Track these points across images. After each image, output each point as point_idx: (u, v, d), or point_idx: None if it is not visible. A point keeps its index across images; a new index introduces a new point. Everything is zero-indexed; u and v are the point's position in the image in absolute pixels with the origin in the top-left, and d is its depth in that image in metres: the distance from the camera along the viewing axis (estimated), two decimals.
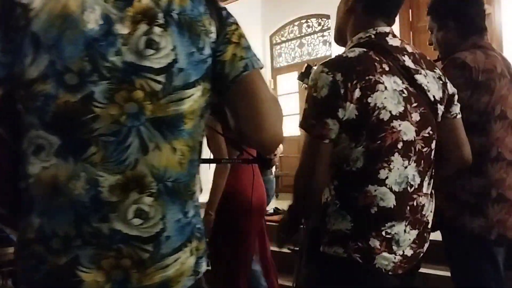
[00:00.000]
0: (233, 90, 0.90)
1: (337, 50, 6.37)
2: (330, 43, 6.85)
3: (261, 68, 0.95)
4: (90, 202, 0.80)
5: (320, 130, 1.18)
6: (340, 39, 1.43)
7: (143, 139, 0.83)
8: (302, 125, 1.23)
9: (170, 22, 0.85)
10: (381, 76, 1.20)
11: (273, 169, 7.20)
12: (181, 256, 0.87)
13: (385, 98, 1.19)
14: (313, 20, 7.13)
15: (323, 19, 6.98)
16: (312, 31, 7.18)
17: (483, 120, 1.65)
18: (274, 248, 3.32)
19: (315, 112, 1.20)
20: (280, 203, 5.29)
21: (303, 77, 1.67)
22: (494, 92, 1.65)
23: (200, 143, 0.93)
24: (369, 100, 1.18)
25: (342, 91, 1.16)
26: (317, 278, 1.29)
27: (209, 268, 2.32)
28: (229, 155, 2.34)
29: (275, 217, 4.43)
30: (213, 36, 0.90)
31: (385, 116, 1.19)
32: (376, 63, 1.22)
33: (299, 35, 7.32)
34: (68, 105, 0.79)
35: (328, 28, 6.86)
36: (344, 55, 1.24)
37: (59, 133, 0.80)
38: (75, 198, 0.80)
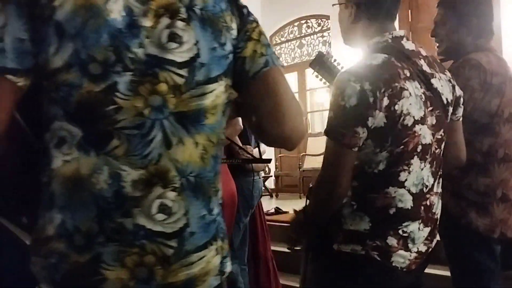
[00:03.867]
0: (253, 86, 0.91)
1: (336, 51, 6.34)
2: (329, 44, 6.86)
3: (283, 67, 0.97)
4: (112, 197, 0.79)
5: (350, 138, 1.19)
6: (349, 42, 1.44)
7: (166, 133, 0.82)
8: (330, 133, 1.22)
9: (192, 17, 0.85)
10: (405, 82, 1.22)
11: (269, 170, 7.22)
12: (207, 255, 0.86)
13: (410, 104, 1.21)
14: (313, 20, 7.15)
15: (322, 19, 6.99)
16: (311, 32, 7.20)
17: (493, 122, 1.67)
18: (272, 248, 3.32)
19: (344, 121, 1.20)
20: (280, 203, 5.29)
21: (315, 64, 1.66)
22: (504, 95, 1.67)
23: (223, 140, 0.93)
24: (396, 107, 1.19)
25: (371, 99, 1.17)
26: (331, 275, 1.31)
27: None
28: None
29: (276, 217, 4.44)
30: (234, 32, 0.91)
31: (409, 121, 1.21)
32: (399, 70, 1.23)
33: (298, 36, 7.34)
34: (91, 94, 0.78)
35: (328, 29, 6.87)
36: (368, 62, 1.24)
37: (82, 124, 0.79)
38: (97, 192, 0.79)
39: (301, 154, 6.63)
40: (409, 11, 5.33)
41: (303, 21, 7.25)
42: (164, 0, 0.84)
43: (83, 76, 0.78)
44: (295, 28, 7.37)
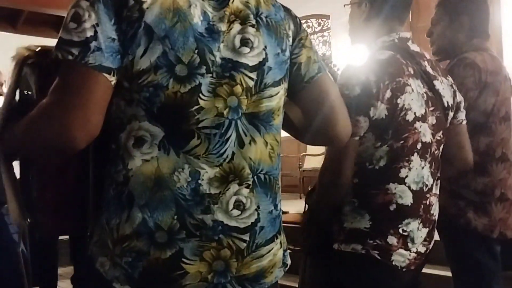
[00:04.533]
0: (307, 90, 0.98)
1: (337, 51, 6.33)
2: (330, 43, 6.86)
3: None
4: (191, 195, 0.83)
5: (352, 127, 1.20)
6: (356, 42, 1.47)
7: (239, 132, 0.87)
8: None
9: (260, 24, 0.92)
10: (409, 78, 1.26)
11: None
12: (273, 247, 0.92)
13: (412, 99, 1.25)
14: (313, 20, 7.14)
15: (322, 19, 6.98)
16: (312, 32, 7.19)
17: (490, 121, 1.68)
18: None
19: (347, 109, 1.21)
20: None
21: None
22: (499, 94, 1.68)
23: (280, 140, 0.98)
24: (398, 101, 1.22)
25: (374, 90, 1.20)
26: (331, 275, 1.31)
27: None
28: None
29: None
30: (291, 40, 0.97)
31: (410, 117, 1.24)
32: (404, 66, 1.27)
33: None
34: (178, 95, 0.82)
35: (328, 29, 6.86)
36: (374, 57, 1.28)
37: (165, 124, 0.82)
38: (177, 191, 0.82)
39: (301, 154, 6.62)
40: (409, 11, 5.32)
41: (303, 21, 7.19)
42: (235, 7, 0.89)
43: (170, 77, 0.81)
44: None
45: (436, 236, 1.70)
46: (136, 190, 0.82)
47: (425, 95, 1.29)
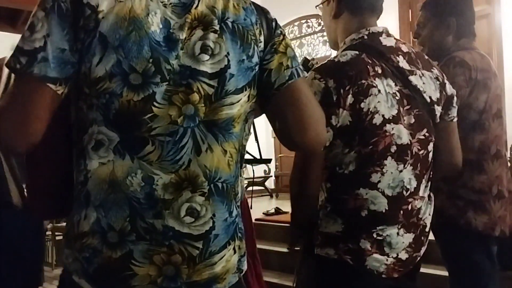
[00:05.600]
0: (278, 96, 0.95)
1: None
2: None
3: (305, 77, 1.02)
4: (144, 199, 0.84)
5: None
6: (335, 46, 1.41)
7: (197, 140, 0.87)
8: None
9: (224, 29, 0.90)
10: (374, 79, 1.19)
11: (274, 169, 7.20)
12: (226, 254, 0.92)
13: (378, 102, 1.18)
14: (313, 20, 7.15)
15: None
16: (312, 31, 7.19)
17: (483, 118, 1.68)
18: (272, 248, 3.33)
19: None
20: (280, 203, 5.29)
21: None
22: (491, 91, 1.68)
23: (244, 147, 0.98)
24: (362, 105, 1.16)
25: (334, 97, 1.16)
26: (312, 279, 1.30)
27: None
28: None
29: (276, 217, 4.45)
30: (262, 45, 0.95)
31: (377, 120, 1.18)
32: (368, 66, 1.20)
33: (299, 35, 7.33)
34: (131, 103, 0.83)
35: None
36: (336, 59, 1.22)
37: (119, 129, 0.84)
38: (130, 194, 0.84)
39: None
40: (409, 11, 5.33)
41: (303, 21, 7.24)
42: (199, 12, 0.88)
43: (124, 86, 0.83)
44: (295, 28, 7.36)
45: (433, 236, 1.71)
46: (93, 191, 0.85)
47: (397, 94, 1.21)
